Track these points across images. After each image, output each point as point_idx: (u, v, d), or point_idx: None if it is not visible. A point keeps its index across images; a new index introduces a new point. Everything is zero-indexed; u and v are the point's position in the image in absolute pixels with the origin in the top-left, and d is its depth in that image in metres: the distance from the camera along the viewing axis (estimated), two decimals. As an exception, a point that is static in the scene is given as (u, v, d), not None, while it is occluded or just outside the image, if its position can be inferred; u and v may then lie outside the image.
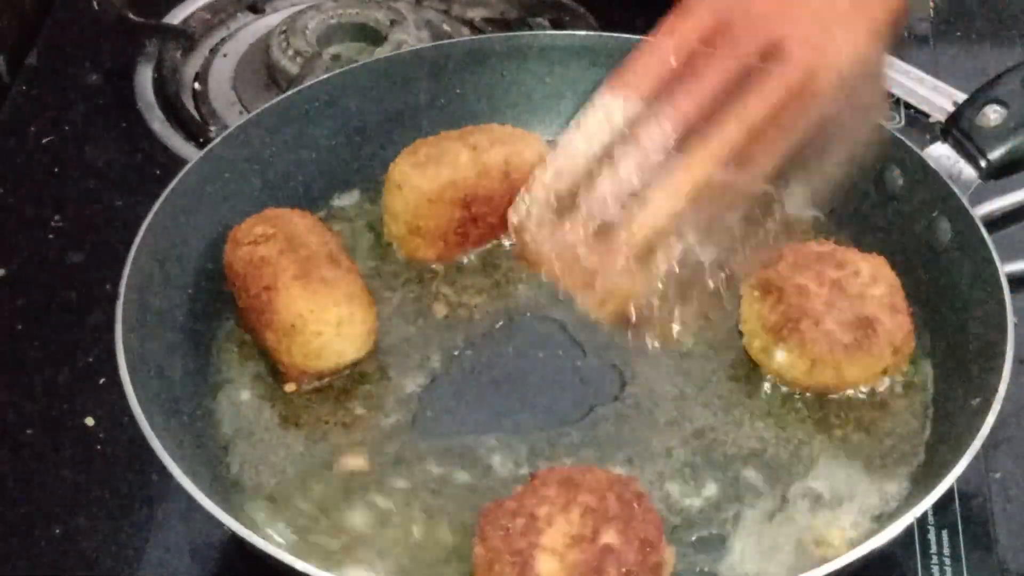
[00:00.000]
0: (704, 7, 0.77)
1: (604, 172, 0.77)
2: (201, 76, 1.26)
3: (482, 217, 0.99)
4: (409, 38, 1.23)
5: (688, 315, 0.79)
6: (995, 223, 1.08)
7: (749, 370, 0.94)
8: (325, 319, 0.90)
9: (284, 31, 1.24)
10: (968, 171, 0.98)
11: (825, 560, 0.79)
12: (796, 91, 0.75)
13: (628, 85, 0.77)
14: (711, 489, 0.88)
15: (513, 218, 0.81)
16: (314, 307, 0.90)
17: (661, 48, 0.77)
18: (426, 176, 0.97)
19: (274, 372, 0.94)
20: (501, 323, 0.98)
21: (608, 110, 0.77)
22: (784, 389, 0.93)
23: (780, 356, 0.90)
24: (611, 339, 0.96)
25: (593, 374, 0.95)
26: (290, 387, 0.93)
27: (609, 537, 0.77)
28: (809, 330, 0.89)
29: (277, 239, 0.93)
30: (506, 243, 1.01)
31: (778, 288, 0.91)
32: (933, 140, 1.01)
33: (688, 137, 0.75)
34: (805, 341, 0.89)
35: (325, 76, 1.07)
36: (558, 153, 0.79)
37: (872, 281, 0.92)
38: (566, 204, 0.79)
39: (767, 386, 0.93)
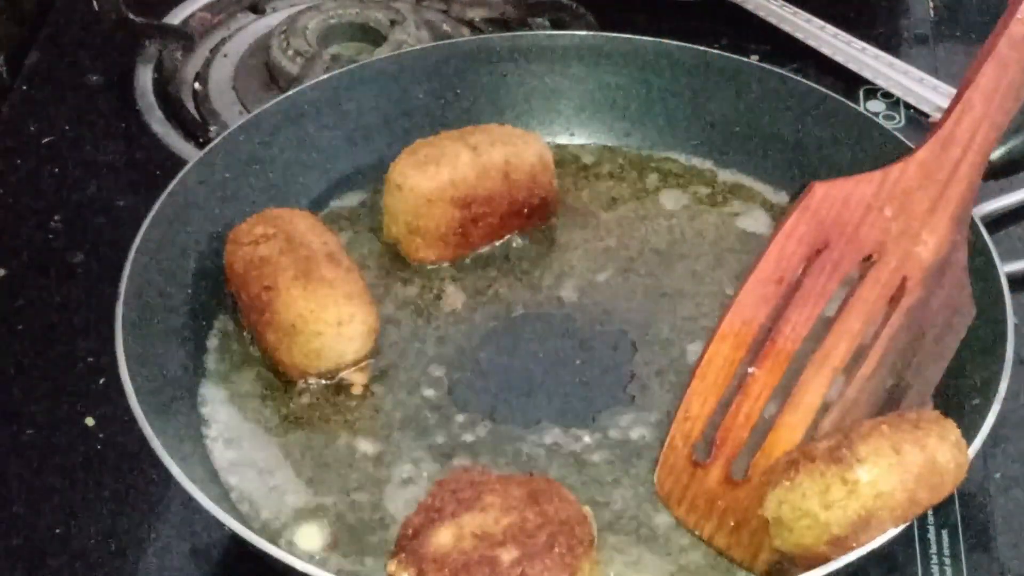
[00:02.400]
0: (801, 226, 0.86)
1: (736, 405, 0.84)
2: (201, 76, 1.26)
3: (482, 217, 0.99)
4: (409, 38, 1.23)
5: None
6: (995, 223, 1.08)
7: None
8: (325, 319, 0.90)
9: (284, 31, 1.24)
10: (968, 171, 0.98)
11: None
12: (890, 294, 0.84)
13: (744, 321, 0.85)
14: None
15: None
16: (314, 307, 0.90)
17: (769, 273, 0.85)
18: (425, 176, 0.97)
19: (274, 372, 0.94)
20: (502, 323, 0.98)
21: (727, 352, 0.85)
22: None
23: None
24: (615, 340, 0.96)
25: (595, 375, 0.95)
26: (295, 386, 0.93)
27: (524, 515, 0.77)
28: None
29: (277, 239, 0.93)
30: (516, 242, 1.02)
31: None
32: (933, 140, 1.01)
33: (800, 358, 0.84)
34: None
35: (325, 76, 1.07)
36: (688, 404, 0.86)
37: None
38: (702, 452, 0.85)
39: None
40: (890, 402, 0.84)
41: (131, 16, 1.26)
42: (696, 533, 0.84)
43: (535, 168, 1.00)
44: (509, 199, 1.00)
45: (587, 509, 0.81)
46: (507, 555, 0.75)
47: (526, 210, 1.01)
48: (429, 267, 1.01)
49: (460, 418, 0.92)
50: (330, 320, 0.90)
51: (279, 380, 0.93)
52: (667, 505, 0.86)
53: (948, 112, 0.88)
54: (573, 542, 0.77)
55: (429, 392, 0.94)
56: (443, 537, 0.76)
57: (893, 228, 0.85)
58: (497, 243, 1.02)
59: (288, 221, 0.95)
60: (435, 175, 0.97)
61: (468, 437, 0.91)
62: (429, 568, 0.75)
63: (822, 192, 0.86)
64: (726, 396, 0.84)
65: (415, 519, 0.78)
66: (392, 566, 0.77)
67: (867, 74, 1.23)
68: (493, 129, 1.01)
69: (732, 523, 0.82)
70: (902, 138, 1.00)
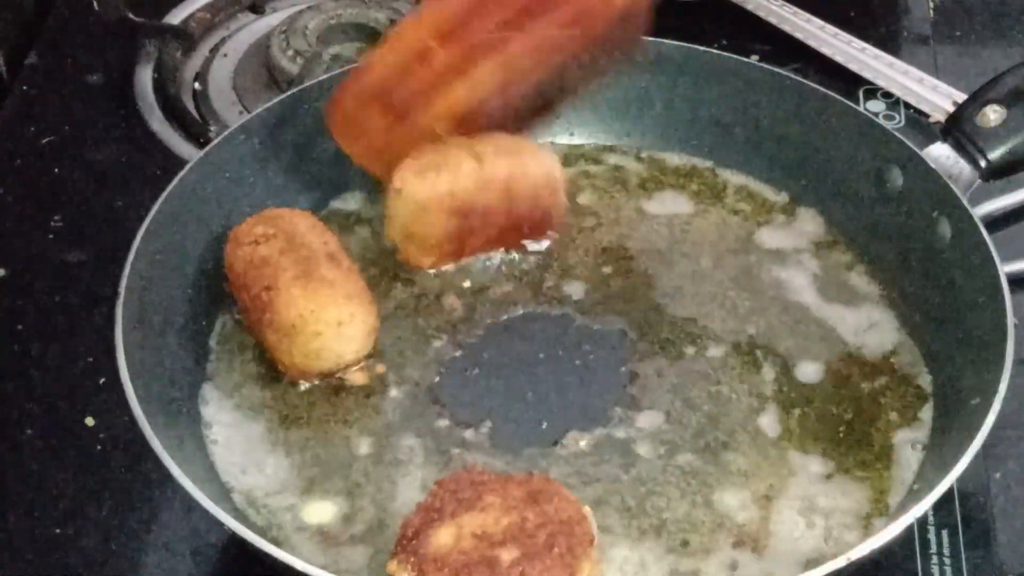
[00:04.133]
0: None
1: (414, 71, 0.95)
2: (201, 76, 1.26)
3: (479, 229, 0.99)
4: (409, 38, 1.23)
5: None
6: (995, 223, 1.08)
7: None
8: (325, 319, 0.90)
9: (284, 31, 1.24)
10: (968, 171, 0.98)
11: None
12: (578, 18, 0.93)
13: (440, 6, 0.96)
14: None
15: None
16: (314, 307, 0.90)
17: None
18: (425, 183, 0.96)
19: (274, 372, 0.94)
20: (501, 323, 0.98)
21: (420, 25, 0.95)
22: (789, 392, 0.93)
23: None
24: (615, 340, 0.96)
25: (595, 375, 0.95)
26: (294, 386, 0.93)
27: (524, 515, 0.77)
28: None
29: (277, 239, 0.93)
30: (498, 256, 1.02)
31: None
32: (933, 140, 1.01)
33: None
34: None
35: (325, 76, 1.07)
36: (372, 55, 0.97)
37: None
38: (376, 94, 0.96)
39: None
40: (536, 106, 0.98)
41: (131, 16, 1.26)
42: (353, 158, 1.00)
43: (540, 184, 0.99)
44: (508, 213, 0.99)
45: (587, 509, 0.81)
46: (507, 555, 0.75)
47: (526, 226, 1.00)
48: (435, 270, 1.01)
49: (460, 418, 0.92)
50: (330, 320, 0.90)
51: (279, 380, 0.93)
52: (333, 133, 0.99)
53: None
54: (573, 542, 0.77)
55: (429, 392, 0.94)
56: (443, 537, 0.76)
57: None
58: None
59: (288, 221, 0.95)
60: (434, 183, 0.96)
61: (468, 437, 0.91)
62: (429, 568, 0.75)
63: None
64: (407, 61, 0.95)
65: (415, 519, 0.78)
66: (392, 566, 0.77)
67: (867, 74, 1.23)
68: (503, 140, 0.99)
69: (384, 154, 0.97)
70: (902, 138, 1.00)
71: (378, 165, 0.99)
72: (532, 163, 0.98)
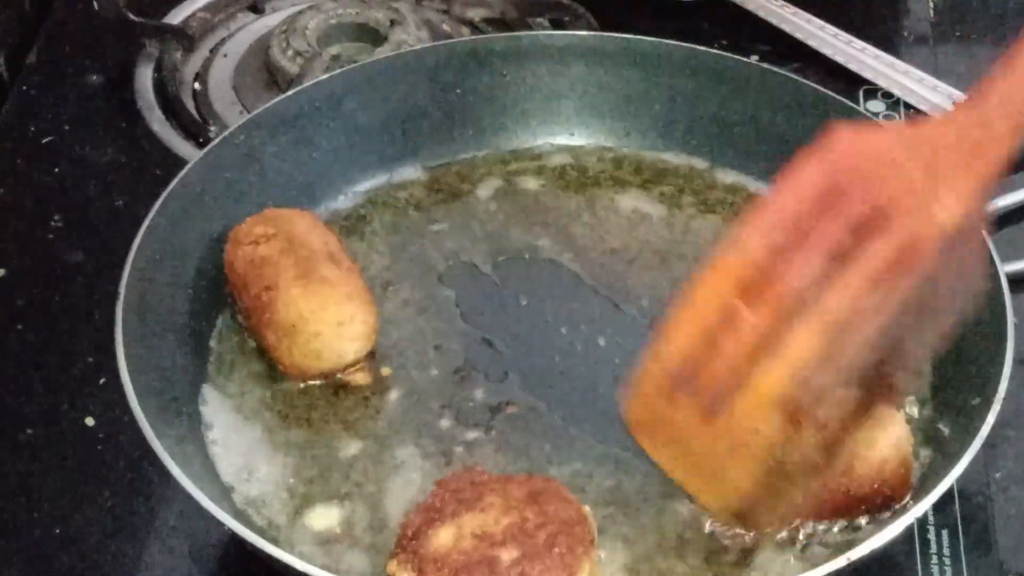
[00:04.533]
0: (815, 169, 0.75)
1: (721, 341, 0.74)
2: (201, 76, 1.26)
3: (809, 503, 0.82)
4: (409, 38, 1.23)
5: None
6: (995, 223, 1.07)
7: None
8: (325, 319, 0.90)
9: (284, 31, 1.24)
10: (968, 171, 0.98)
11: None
12: (901, 255, 0.73)
13: (741, 256, 0.75)
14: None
15: None
16: (314, 307, 0.90)
17: (773, 214, 0.75)
18: None
19: (274, 372, 0.94)
20: (503, 324, 0.98)
21: (718, 285, 0.75)
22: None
23: None
24: (617, 341, 0.96)
25: (597, 375, 0.95)
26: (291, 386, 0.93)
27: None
28: None
29: (278, 239, 0.93)
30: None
31: None
32: (933, 140, 1.00)
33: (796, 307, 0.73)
34: None
35: (325, 76, 1.07)
36: (670, 328, 0.76)
37: None
38: (679, 382, 0.75)
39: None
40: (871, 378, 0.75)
41: (131, 16, 1.26)
42: (660, 466, 0.79)
43: (887, 462, 0.84)
44: (847, 494, 0.84)
45: (587, 509, 0.81)
46: (507, 555, 0.75)
47: (863, 506, 0.85)
48: (435, 270, 1.01)
49: (460, 418, 0.92)
50: (330, 320, 0.90)
51: (279, 380, 0.93)
52: (634, 433, 0.79)
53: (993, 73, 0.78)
54: (573, 542, 0.77)
55: (430, 392, 0.94)
56: (443, 537, 0.76)
57: (915, 184, 0.74)
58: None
59: (288, 221, 0.95)
60: None
61: (469, 437, 0.91)
62: (429, 568, 0.75)
63: (845, 136, 0.76)
64: (710, 331, 0.74)
65: (415, 519, 0.78)
66: (392, 566, 0.77)
67: (867, 74, 1.23)
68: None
69: (700, 462, 0.77)
70: (902, 138, 1.00)
71: (694, 478, 0.79)
72: (881, 436, 0.84)
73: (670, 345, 0.76)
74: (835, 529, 0.85)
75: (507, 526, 0.77)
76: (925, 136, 0.76)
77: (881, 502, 0.84)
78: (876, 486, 0.83)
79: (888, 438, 0.83)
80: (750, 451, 0.74)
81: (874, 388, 0.75)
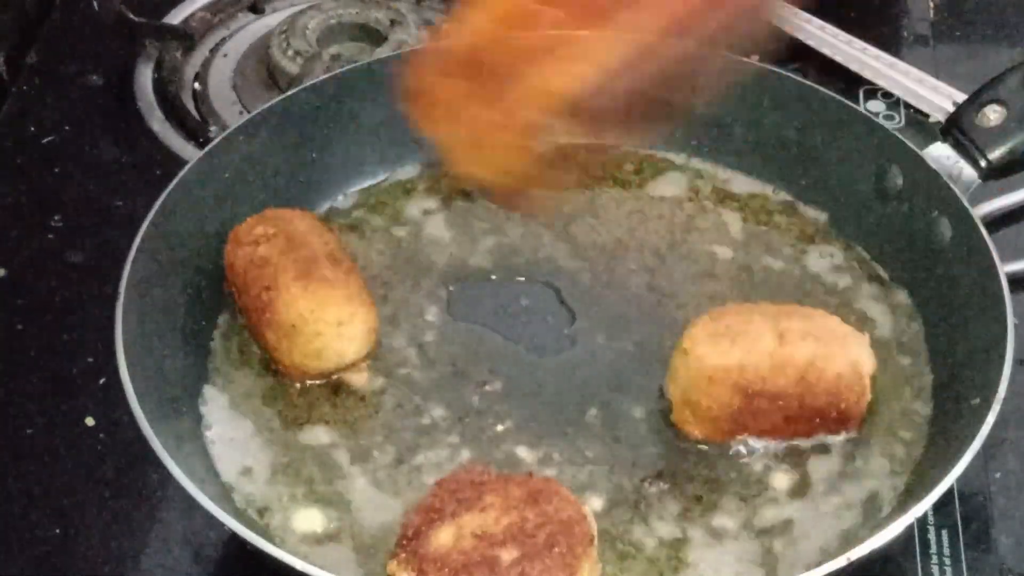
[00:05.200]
0: None
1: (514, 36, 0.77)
2: (201, 76, 1.26)
3: (763, 413, 0.87)
4: (409, 38, 1.23)
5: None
6: (995, 223, 1.08)
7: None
8: (325, 319, 0.90)
9: (284, 31, 1.24)
10: (968, 171, 0.98)
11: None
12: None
13: None
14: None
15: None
16: (314, 307, 0.90)
17: None
18: (717, 350, 0.86)
19: (274, 372, 0.94)
20: (503, 320, 0.98)
21: None
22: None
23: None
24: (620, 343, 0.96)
25: (598, 376, 0.95)
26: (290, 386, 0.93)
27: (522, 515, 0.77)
28: None
29: (278, 239, 0.93)
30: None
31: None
32: (933, 140, 1.00)
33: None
34: None
35: (325, 76, 1.07)
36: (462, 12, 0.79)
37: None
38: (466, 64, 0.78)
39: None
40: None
41: (131, 16, 1.26)
42: (431, 138, 0.83)
43: (843, 378, 0.87)
44: (800, 404, 0.87)
45: (587, 508, 0.81)
46: (507, 555, 0.75)
47: (819, 419, 0.88)
48: (434, 270, 1.01)
49: (460, 418, 0.92)
50: (330, 320, 0.90)
51: (279, 380, 0.93)
52: (408, 104, 0.82)
53: None
54: (573, 542, 0.77)
55: (428, 392, 0.94)
56: (443, 537, 0.76)
57: None
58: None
59: (288, 221, 0.95)
60: (726, 352, 0.86)
61: (467, 435, 0.91)
62: (429, 568, 0.75)
63: None
64: (505, 24, 0.78)
65: (415, 519, 0.78)
66: (392, 566, 0.77)
67: (867, 74, 1.23)
68: (816, 318, 0.89)
69: (470, 140, 0.81)
70: (902, 138, 1.00)
71: (464, 153, 0.82)
72: (840, 353, 0.87)
73: (459, 31, 0.78)
74: (782, 448, 0.88)
75: (507, 526, 0.77)
76: None
77: (834, 419, 0.88)
78: (829, 399, 0.87)
79: (848, 355, 0.87)
80: (522, 134, 0.77)
81: (653, 111, 0.79)
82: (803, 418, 0.88)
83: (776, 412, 0.87)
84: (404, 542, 0.78)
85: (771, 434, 0.89)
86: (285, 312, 0.90)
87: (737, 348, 0.86)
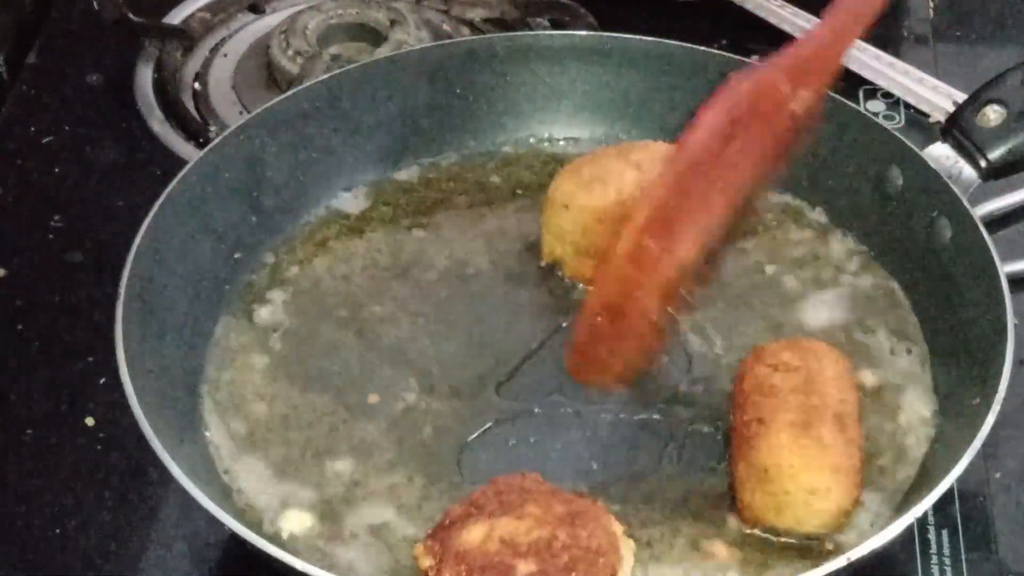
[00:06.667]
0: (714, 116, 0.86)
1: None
2: (201, 76, 1.26)
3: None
4: (409, 38, 1.23)
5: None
6: (995, 223, 1.07)
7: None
8: (798, 481, 0.83)
9: (284, 31, 1.24)
10: (968, 171, 0.98)
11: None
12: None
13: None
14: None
15: None
16: (794, 464, 0.82)
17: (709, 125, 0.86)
18: (592, 196, 0.93)
19: (274, 372, 0.94)
20: (503, 320, 0.98)
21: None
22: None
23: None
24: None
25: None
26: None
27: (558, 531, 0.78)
28: None
29: (797, 374, 0.86)
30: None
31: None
32: (933, 140, 1.01)
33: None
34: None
35: (325, 76, 1.07)
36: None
37: None
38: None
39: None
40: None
41: (131, 16, 1.26)
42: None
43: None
44: None
45: (631, 542, 0.80)
46: (524, 567, 0.76)
47: None
48: (428, 268, 1.01)
49: (459, 419, 0.92)
50: (803, 484, 0.83)
51: (279, 380, 0.93)
52: (576, 378, 0.90)
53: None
54: (593, 571, 0.76)
55: (430, 394, 0.94)
56: (473, 534, 0.77)
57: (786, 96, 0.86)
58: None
59: (819, 359, 0.88)
60: (602, 194, 0.93)
61: (471, 439, 0.91)
62: (449, 559, 0.76)
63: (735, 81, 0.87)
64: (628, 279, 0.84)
65: (457, 510, 0.79)
66: (419, 548, 0.78)
67: (867, 74, 1.23)
68: (652, 147, 0.97)
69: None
70: (902, 138, 1.00)
71: (613, 380, 0.90)
72: None
73: (595, 296, 0.87)
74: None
75: (535, 539, 0.77)
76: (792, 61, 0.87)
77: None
78: None
79: None
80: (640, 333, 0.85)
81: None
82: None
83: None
84: (439, 529, 0.78)
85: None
86: (764, 454, 0.83)
87: (609, 187, 0.93)
